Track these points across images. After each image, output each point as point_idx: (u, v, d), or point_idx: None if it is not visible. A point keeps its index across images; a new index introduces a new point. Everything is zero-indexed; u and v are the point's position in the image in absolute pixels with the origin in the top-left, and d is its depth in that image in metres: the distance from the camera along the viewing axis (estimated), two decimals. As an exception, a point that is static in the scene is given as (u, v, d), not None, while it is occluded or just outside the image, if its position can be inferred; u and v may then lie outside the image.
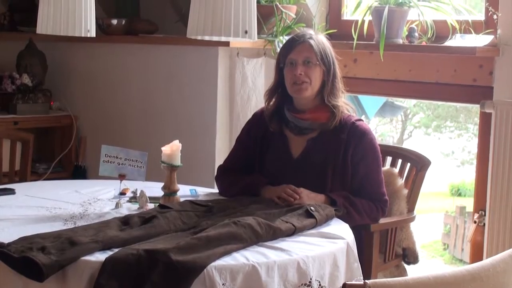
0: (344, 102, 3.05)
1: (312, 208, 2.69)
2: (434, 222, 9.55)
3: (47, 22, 3.18)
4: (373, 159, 2.99)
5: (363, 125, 3.03)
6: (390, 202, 3.11)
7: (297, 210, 2.69)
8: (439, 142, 11.41)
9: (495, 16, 3.54)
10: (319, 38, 3.02)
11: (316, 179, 2.94)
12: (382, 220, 3.03)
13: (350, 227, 2.71)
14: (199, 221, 2.56)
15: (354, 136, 2.98)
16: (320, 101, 3.02)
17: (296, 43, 2.99)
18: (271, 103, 3.10)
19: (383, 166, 3.27)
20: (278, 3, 3.93)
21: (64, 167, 4.96)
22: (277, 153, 3.05)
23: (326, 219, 2.71)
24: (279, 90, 3.08)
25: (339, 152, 2.96)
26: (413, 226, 3.37)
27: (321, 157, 2.97)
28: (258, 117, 3.16)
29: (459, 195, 10.80)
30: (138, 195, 2.89)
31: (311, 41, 2.98)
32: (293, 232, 2.52)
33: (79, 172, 4.87)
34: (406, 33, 3.77)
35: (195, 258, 2.16)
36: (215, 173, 3.22)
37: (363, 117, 7.70)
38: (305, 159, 3.00)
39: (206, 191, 3.21)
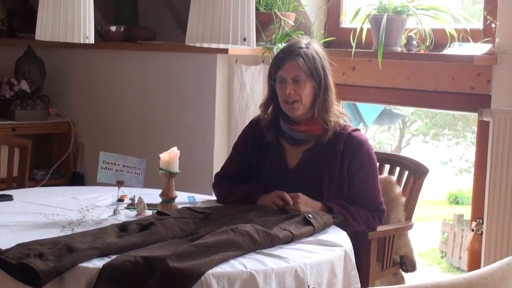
0: (339, 111, 3.03)
1: (310, 215, 2.69)
2: (432, 230, 9.55)
3: (46, 29, 3.19)
4: (369, 170, 2.98)
5: (359, 136, 3.01)
6: (388, 210, 3.11)
7: (295, 217, 2.69)
8: (437, 150, 11.42)
9: (493, 25, 3.54)
10: (308, 51, 2.94)
11: (312, 190, 2.92)
12: (380, 228, 3.03)
13: (348, 235, 2.71)
14: (197, 228, 2.56)
15: (351, 147, 2.96)
16: (314, 113, 2.99)
17: (284, 61, 2.94)
18: (267, 114, 3.07)
19: (381, 174, 3.27)
20: (277, 11, 3.94)
21: (62, 173, 4.96)
22: (273, 163, 3.04)
23: (324, 227, 2.71)
24: (272, 103, 3.06)
25: (335, 163, 2.94)
26: (411, 234, 3.37)
27: (317, 169, 2.96)
28: (254, 124, 3.14)
29: (457, 203, 10.80)
30: (136, 201, 2.89)
31: (299, 59, 2.91)
32: (291, 239, 2.52)
33: (77, 179, 4.87)
34: (405, 41, 3.77)
35: (193, 265, 2.16)
36: (213, 181, 3.22)
37: (361, 125, 7.71)
38: (301, 170, 2.99)
39: (204, 198, 3.21)
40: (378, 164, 3.11)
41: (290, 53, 2.95)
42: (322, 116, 2.95)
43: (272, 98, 3.05)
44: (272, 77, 3.01)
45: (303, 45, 2.97)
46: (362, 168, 2.95)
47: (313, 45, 3.00)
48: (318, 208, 2.85)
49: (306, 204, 2.84)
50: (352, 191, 2.95)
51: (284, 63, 2.94)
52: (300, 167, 2.99)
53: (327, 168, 2.94)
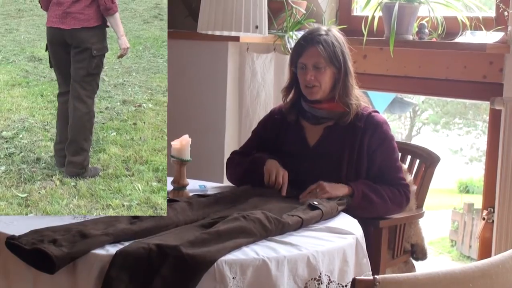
0: (359, 95, 3.09)
1: (315, 202, 2.71)
2: (442, 218, 9.56)
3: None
4: (389, 146, 3.04)
5: (379, 116, 3.09)
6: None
7: (300, 206, 2.71)
8: (447, 139, 11.41)
9: (505, 13, 3.53)
10: (328, 38, 3.01)
11: (332, 166, 2.98)
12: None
13: (359, 222, 2.72)
14: (208, 212, 2.57)
15: (371, 125, 3.02)
16: (334, 96, 3.05)
17: (305, 49, 3.02)
18: (288, 98, 3.15)
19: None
20: (288, -1, 3.93)
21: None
22: (294, 142, 3.10)
23: (331, 211, 2.72)
24: (293, 88, 3.13)
25: (355, 140, 3.00)
26: (421, 222, 3.37)
27: (337, 145, 3.01)
28: (275, 112, 3.22)
29: (467, 192, 10.80)
30: (148, 189, 2.90)
31: (319, 46, 2.98)
32: (300, 224, 2.53)
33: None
34: (416, 29, 3.76)
35: (205, 252, 2.17)
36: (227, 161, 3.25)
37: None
38: (321, 147, 3.04)
39: (215, 186, 3.21)
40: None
41: (311, 40, 3.01)
42: (343, 100, 3.02)
43: (293, 84, 3.13)
44: (293, 64, 3.08)
45: (323, 32, 3.04)
46: (382, 144, 3.02)
47: (333, 31, 3.08)
48: (342, 188, 2.89)
49: (331, 186, 2.88)
50: (373, 168, 3.01)
51: (305, 50, 3.01)
52: (321, 144, 3.05)
53: (347, 145, 3.00)
